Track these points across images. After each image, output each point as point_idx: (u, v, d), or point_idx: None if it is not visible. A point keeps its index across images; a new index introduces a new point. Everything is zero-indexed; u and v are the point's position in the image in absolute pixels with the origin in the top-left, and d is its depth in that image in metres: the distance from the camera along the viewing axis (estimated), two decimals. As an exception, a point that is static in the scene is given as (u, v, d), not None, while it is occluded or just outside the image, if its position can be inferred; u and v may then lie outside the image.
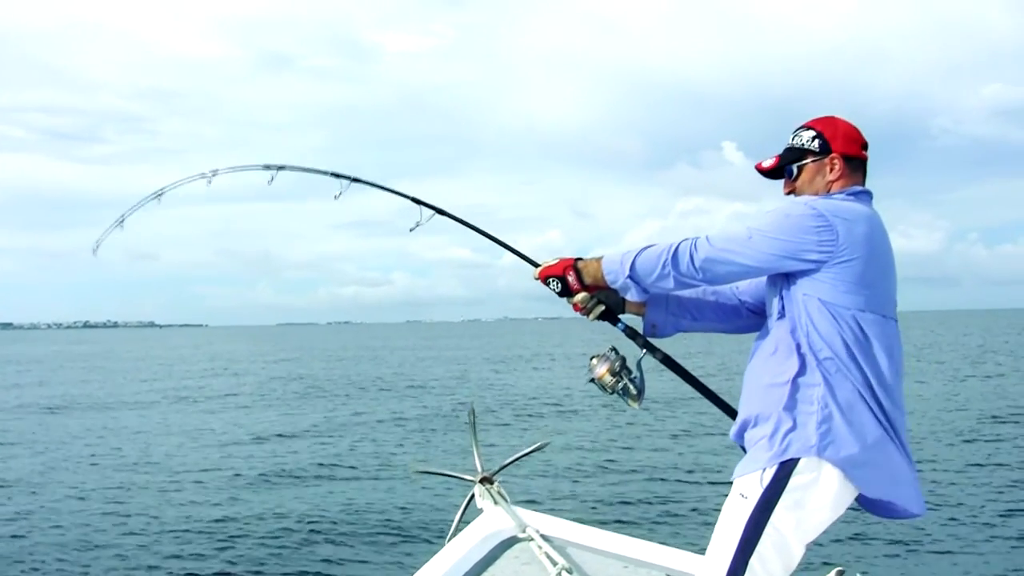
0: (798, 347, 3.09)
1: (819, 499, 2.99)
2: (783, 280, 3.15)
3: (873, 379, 3.03)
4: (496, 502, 4.37)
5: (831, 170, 3.28)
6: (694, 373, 3.60)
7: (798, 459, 2.99)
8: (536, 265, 3.62)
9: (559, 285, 3.49)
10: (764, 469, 3.03)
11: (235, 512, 12.39)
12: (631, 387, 3.51)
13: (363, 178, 4.07)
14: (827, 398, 3.01)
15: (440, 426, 21.04)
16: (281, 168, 4.11)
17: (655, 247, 3.24)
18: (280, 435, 19.22)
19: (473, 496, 4.48)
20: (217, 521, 12.01)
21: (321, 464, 15.86)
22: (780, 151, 3.41)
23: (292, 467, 15.43)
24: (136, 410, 27.98)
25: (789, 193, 3.36)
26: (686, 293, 3.55)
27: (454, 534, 4.22)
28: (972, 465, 15.39)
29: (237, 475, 14.91)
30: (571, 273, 3.45)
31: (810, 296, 3.08)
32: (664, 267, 3.18)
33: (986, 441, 18.10)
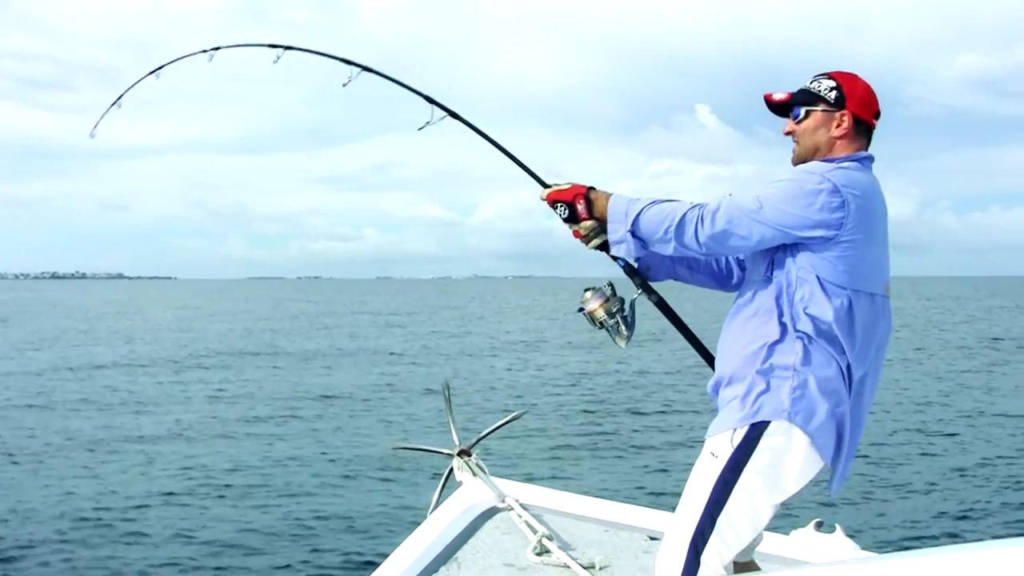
0: (780, 315, 3.08)
1: (788, 463, 3.00)
2: (779, 246, 3.11)
3: (852, 355, 3.03)
4: (475, 474, 4.42)
5: (838, 126, 3.21)
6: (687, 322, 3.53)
7: (769, 422, 3.00)
8: (546, 186, 3.49)
9: (566, 211, 3.36)
10: (735, 429, 3.04)
11: (212, 491, 12.24)
12: (621, 325, 3.41)
13: (374, 68, 3.97)
14: (803, 367, 3.00)
15: (416, 401, 20.84)
16: (288, 48, 4.03)
17: (663, 205, 3.17)
18: (256, 415, 18.77)
19: (452, 469, 4.51)
20: (192, 499, 11.89)
21: (298, 443, 15.59)
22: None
23: (268, 448, 15.14)
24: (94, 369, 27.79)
25: (788, 134, 3.31)
26: None
27: (435, 508, 4.26)
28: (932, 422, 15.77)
29: (212, 455, 14.56)
30: (581, 201, 3.34)
31: (807, 271, 3.05)
32: (667, 233, 3.12)
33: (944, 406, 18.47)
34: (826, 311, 3.02)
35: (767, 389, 3.03)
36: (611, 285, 3.45)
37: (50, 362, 29.05)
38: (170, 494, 11.90)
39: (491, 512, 4.24)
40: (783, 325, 3.06)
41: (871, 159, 3.25)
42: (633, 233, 3.22)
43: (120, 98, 4.21)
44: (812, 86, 3.28)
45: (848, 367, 3.04)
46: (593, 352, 31.43)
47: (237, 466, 13.66)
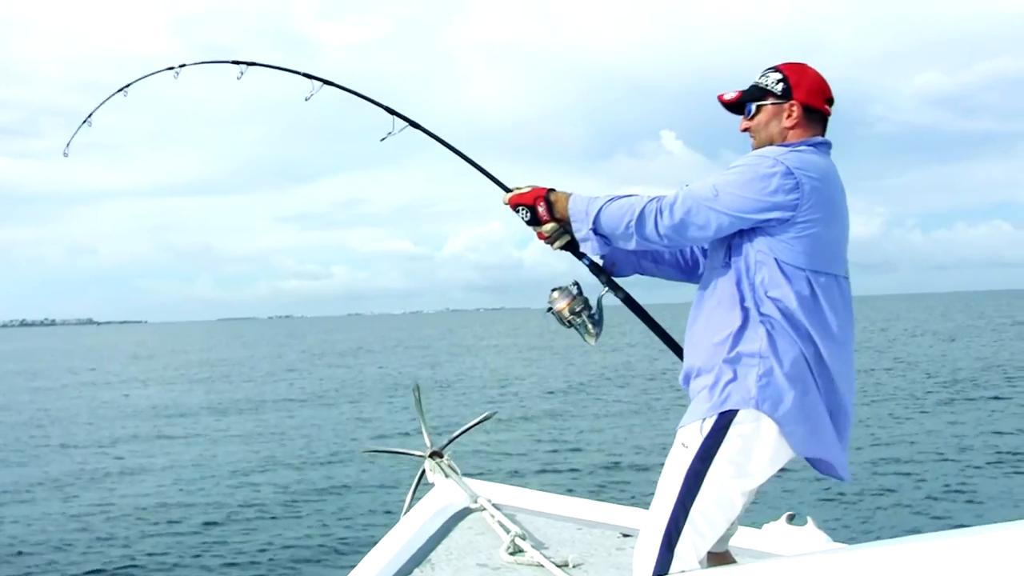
0: (742, 300, 3.08)
1: (758, 450, 3.01)
2: (736, 232, 3.11)
3: (818, 339, 3.03)
4: (447, 475, 4.43)
5: (788, 116, 3.23)
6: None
7: (737, 410, 3.01)
8: (507, 190, 3.55)
9: (528, 214, 3.42)
10: (704, 419, 3.05)
11: (187, 498, 12.32)
12: (588, 323, 3.45)
13: (336, 82, 4.01)
14: (769, 353, 3.01)
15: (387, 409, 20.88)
16: (251, 64, 4.06)
17: (622, 201, 3.19)
18: (230, 423, 18.84)
19: (424, 471, 4.53)
20: (166, 503, 11.96)
21: (272, 450, 15.74)
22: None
23: (243, 455, 15.28)
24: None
25: (745, 131, 3.33)
26: None
27: (408, 509, 4.26)
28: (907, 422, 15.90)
29: (190, 462, 14.74)
30: (542, 203, 3.39)
31: (764, 254, 3.06)
32: (628, 227, 3.15)
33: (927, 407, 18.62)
34: (787, 293, 3.03)
35: (734, 378, 3.03)
36: (577, 284, 3.48)
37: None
38: (142, 508, 11.81)
39: (464, 513, 4.25)
40: (745, 311, 3.07)
41: (828, 144, 3.26)
42: (595, 231, 3.25)
43: (90, 116, 4.25)
44: (760, 80, 3.30)
45: (816, 350, 3.03)
46: (560, 354, 31.57)
47: (211, 471, 13.68)
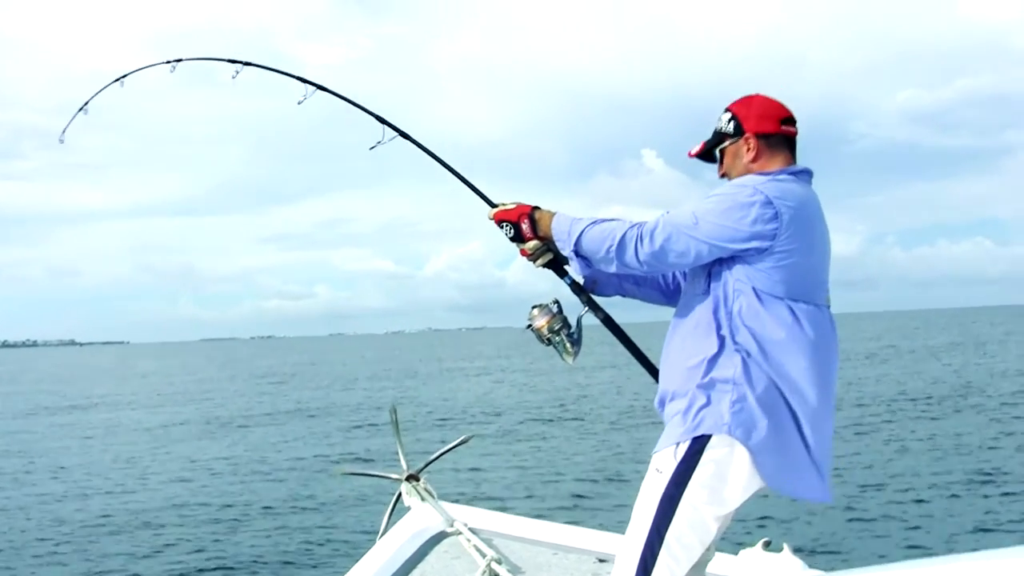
0: (718, 328, 3.08)
1: (731, 476, 3.00)
2: (715, 260, 3.12)
3: (794, 368, 3.03)
4: (423, 499, 4.41)
5: (747, 150, 3.26)
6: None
7: (711, 435, 3.01)
8: (493, 205, 3.57)
9: (511, 230, 3.44)
10: (678, 444, 3.05)
11: (161, 518, 12.23)
12: (567, 342, 3.46)
13: (329, 87, 4.04)
14: (743, 380, 3.00)
15: (364, 431, 20.78)
16: (247, 64, 4.09)
17: (604, 225, 3.20)
18: (206, 444, 18.73)
19: (400, 494, 4.50)
20: (145, 524, 11.87)
21: (248, 470, 15.63)
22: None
23: (218, 475, 15.19)
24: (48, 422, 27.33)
25: (722, 176, 3.36)
26: None
27: (383, 533, 4.24)
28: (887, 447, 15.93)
29: (168, 480, 14.64)
30: (525, 221, 3.41)
31: (743, 282, 3.06)
32: (608, 252, 3.16)
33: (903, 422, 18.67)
34: (764, 323, 3.03)
35: (708, 403, 3.03)
36: (557, 302, 3.50)
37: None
38: (115, 530, 11.69)
39: (440, 537, 4.22)
40: (721, 338, 3.07)
41: (808, 173, 3.27)
42: (576, 252, 3.27)
43: (86, 104, 4.29)
44: (717, 125, 3.36)
45: (792, 381, 3.03)
46: (538, 376, 31.59)
47: (187, 492, 13.60)
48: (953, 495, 13.02)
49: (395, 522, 4.33)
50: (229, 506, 12.94)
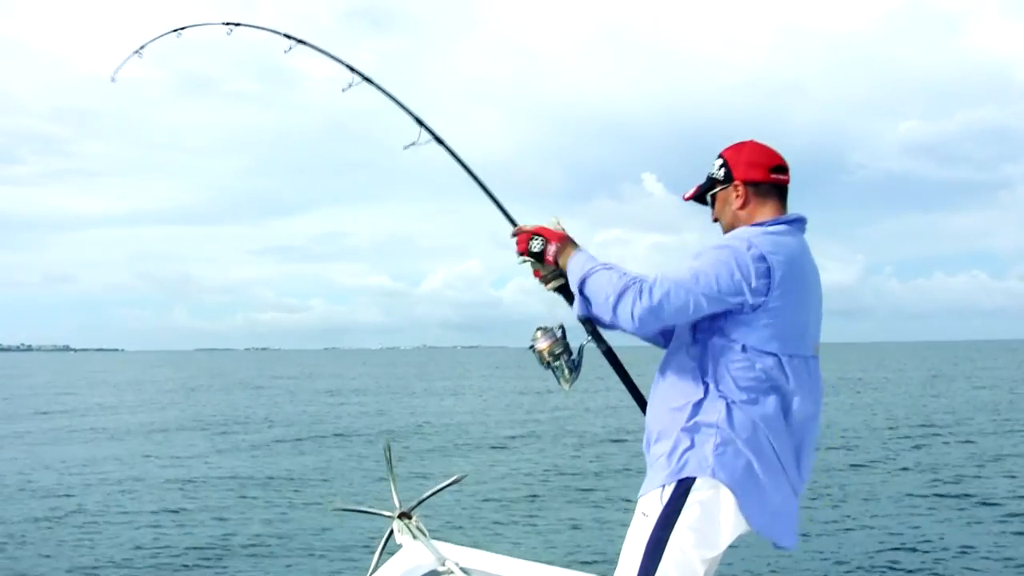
0: (703, 374, 3.13)
1: (717, 518, 3.03)
2: None
3: (778, 417, 3.07)
4: (415, 536, 4.38)
5: (736, 197, 3.31)
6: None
7: (695, 478, 3.04)
8: (515, 223, 3.65)
9: (541, 246, 3.46)
10: (664, 487, 3.08)
11: (144, 554, 11.87)
12: (566, 368, 3.47)
13: (374, 80, 4.11)
14: (727, 424, 3.04)
15: (357, 462, 20.54)
16: (300, 42, 4.17)
17: (611, 273, 3.20)
18: (192, 471, 18.41)
19: (392, 531, 4.48)
20: (127, 560, 11.55)
21: (234, 502, 15.23)
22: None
23: (204, 506, 14.79)
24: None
25: (715, 220, 3.42)
26: None
27: (374, 570, 4.22)
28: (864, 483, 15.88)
29: (146, 514, 14.19)
30: (556, 244, 3.45)
31: (731, 334, 3.10)
32: (607, 300, 3.16)
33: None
34: (751, 374, 3.07)
35: (692, 446, 3.07)
36: (562, 327, 3.51)
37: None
38: (100, 563, 11.56)
39: None
40: (706, 384, 3.12)
41: (802, 221, 3.31)
42: (581, 291, 3.30)
43: (142, 47, 4.35)
44: (710, 170, 3.41)
45: (777, 429, 3.06)
46: (534, 413, 31.46)
47: (171, 523, 13.38)
48: (937, 534, 12.97)
49: (386, 560, 4.31)
50: (214, 536, 12.68)
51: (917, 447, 22.00)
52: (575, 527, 12.62)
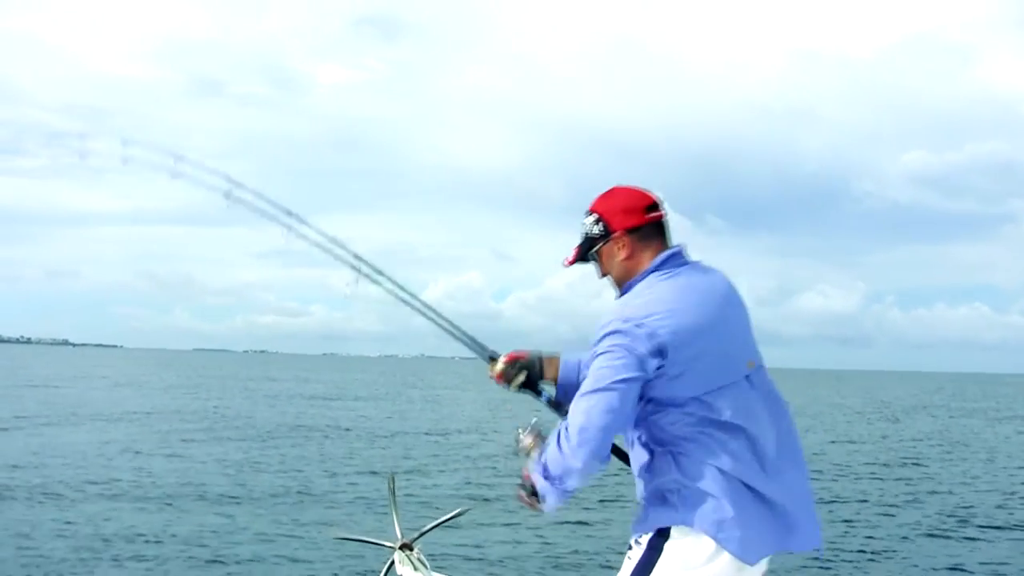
0: (639, 439, 3.19)
1: (694, 564, 3.02)
2: None
3: (725, 447, 3.05)
4: (416, 568, 4.36)
5: (620, 248, 3.26)
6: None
7: (669, 527, 3.07)
8: (493, 359, 3.72)
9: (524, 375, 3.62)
10: (642, 534, 3.14)
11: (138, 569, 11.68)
12: None
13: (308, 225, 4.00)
14: (680, 474, 3.06)
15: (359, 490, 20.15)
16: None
17: (547, 450, 3.14)
18: (188, 493, 17.75)
19: (393, 562, 4.46)
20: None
21: (232, 526, 14.76)
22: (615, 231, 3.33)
23: (201, 529, 14.34)
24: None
25: (604, 276, 3.37)
26: None
27: (373, 601, 4.19)
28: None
29: (136, 538, 13.63)
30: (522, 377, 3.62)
31: (651, 398, 3.10)
32: (555, 470, 3.09)
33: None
34: (684, 422, 3.07)
35: (659, 501, 3.12)
36: (537, 423, 3.46)
37: None
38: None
39: None
40: (645, 446, 3.18)
41: (678, 255, 3.26)
42: (549, 480, 3.18)
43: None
44: (584, 231, 3.37)
45: (735, 457, 3.05)
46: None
47: (169, 542, 13.23)
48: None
49: None
50: (207, 560, 12.38)
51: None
52: (578, 564, 12.45)
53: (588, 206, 3.37)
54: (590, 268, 3.42)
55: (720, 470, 3.03)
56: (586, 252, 3.36)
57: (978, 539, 14.94)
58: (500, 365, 3.63)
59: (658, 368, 3.01)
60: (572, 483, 3.09)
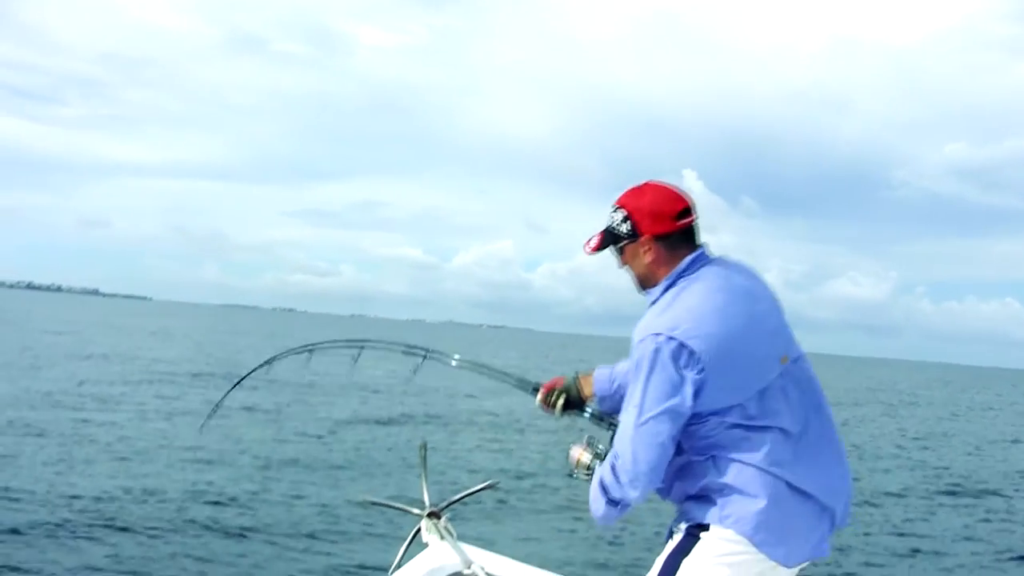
0: (685, 447, 3.10)
1: (729, 560, 3.02)
2: None
3: (766, 447, 3.02)
4: (443, 537, 4.30)
5: (646, 252, 3.20)
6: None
7: (708, 524, 3.06)
8: (535, 391, 3.81)
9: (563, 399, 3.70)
10: (682, 523, 3.15)
11: (168, 539, 11.41)
12: None
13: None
14: (719, 478, 3.03)
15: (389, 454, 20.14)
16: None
17: (603, 477, 3.14)
18: (215, 453, 17.59)
19: (419, 530, 4.41)
20: (153, 545, 11.15)
21: (258, 486, 14.73)
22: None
23: (229, 488, 14.32)
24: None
25: (623, 265, 3.31)
26: (627, 370, 3.42)
27: (397, 567, 4.15)
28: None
29: (164, 495, 13.59)
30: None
31: (693, 413, 3.04)
32: (604, 495, 3.12)
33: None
34: (718, 429, 3.04)
35: (701, 499, 3.09)
36: (590, 437, 3.45)
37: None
38: (122, 528, 11.58)
39: None
40: (685, 453, 3.11)
41: (702, 256, 3.20)
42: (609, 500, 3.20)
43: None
44: (610, 224, 3.27)
45: (773, 458, 3.01)
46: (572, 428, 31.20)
47: (198, 499, 13.29)
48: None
49: (410, 557, 4.24)
50: (231, 523, 12.28)
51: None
52: (612, 542, 12.39)
53: (617, 199, 3.29)
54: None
55: (759, 469, 3.00)
56: (610, 244, 3.30)
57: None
58: (540, 395, 3.74)
59: (697, 386, 2.96)
60: (630, 505, 3.12)
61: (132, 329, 73.59)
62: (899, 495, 17.96)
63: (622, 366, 3.59)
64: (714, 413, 3.01)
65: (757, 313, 3.13)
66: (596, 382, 3.69)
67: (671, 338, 2.95)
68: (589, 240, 3.32)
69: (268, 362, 4.50)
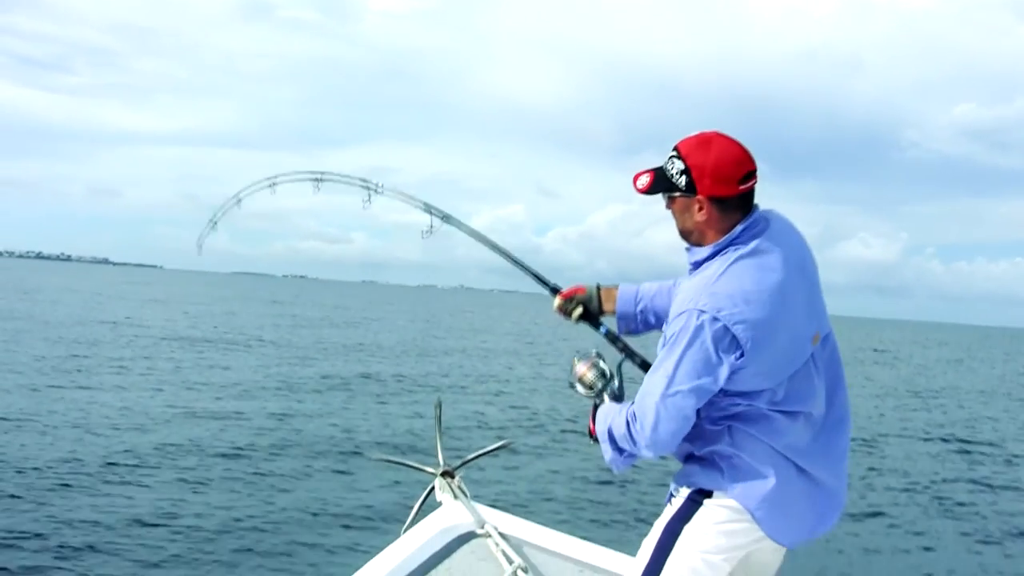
0: (704, 419, 3.04)
1: (727, 530, 3.02)
2: None
3: (785, 428, 3.00)
4: (456, 496, 4.34)
5: (699, 211, 3.02)
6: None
7: (712, 491, 3.05)
8: (555, 292, 3.70)
9: (581, 308, 3.61)
10: (685, 487, 3.13)
11: (181, 494, 11.64)
12: (608, 393, 3.36)
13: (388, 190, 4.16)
14: (732, 447, 3.01)
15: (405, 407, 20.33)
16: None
17: (618, 420, 3.12)
18: (233, 409, 18.16)
19: (433, 488, 4.45)
20: (161, 502, 11.25)
21: (275, 444, 14.97)
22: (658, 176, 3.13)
23: (244, 444, 14.61)
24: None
25: (668, 207, 3.14)
26: (653, 293, 3.52)
27: (411, 525, 4.18)
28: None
29: (181, 452, 13.87)
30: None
31: (724, 391, 2.98)
32: (623, 442, 3.10)
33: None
34: (741, 405, 2.99)
35: (709, 463, 3.07)
36: (598, 353, 3.42)
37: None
38: (141, 484, 11.72)
39: (468, 537, 4.15)
40: (702, 421, 3.03)
41: (756, 223, 3.03)
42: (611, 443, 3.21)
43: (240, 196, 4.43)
44: (666, 166, 3.07)
45: (789, 441, 3.00)
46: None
47: (217, 452, 13.44)
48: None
49: (424, 515, 4.28)
50: (252, 476, 12.62)
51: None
52: (626, 508, 12.41)
53: (679, 143, 3.06)
54: (643, 200, 3.18)
55: (773, 448, 2.98)
56: (660, 190, 3.11)
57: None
58: (558, 301, 3.63)
59: (733, 370, 2.88)
60: (638, 459, 3.12)
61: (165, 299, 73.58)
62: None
63: (648, 286, 3.56)
64: (741, 394, 2.96)
65: (802, 289, 3.01)
66: (620, 299, 3.59)
67: (716, 319, 2.84)
68: (639, 176, 3.15)
69: (236, 196, 4.44)
